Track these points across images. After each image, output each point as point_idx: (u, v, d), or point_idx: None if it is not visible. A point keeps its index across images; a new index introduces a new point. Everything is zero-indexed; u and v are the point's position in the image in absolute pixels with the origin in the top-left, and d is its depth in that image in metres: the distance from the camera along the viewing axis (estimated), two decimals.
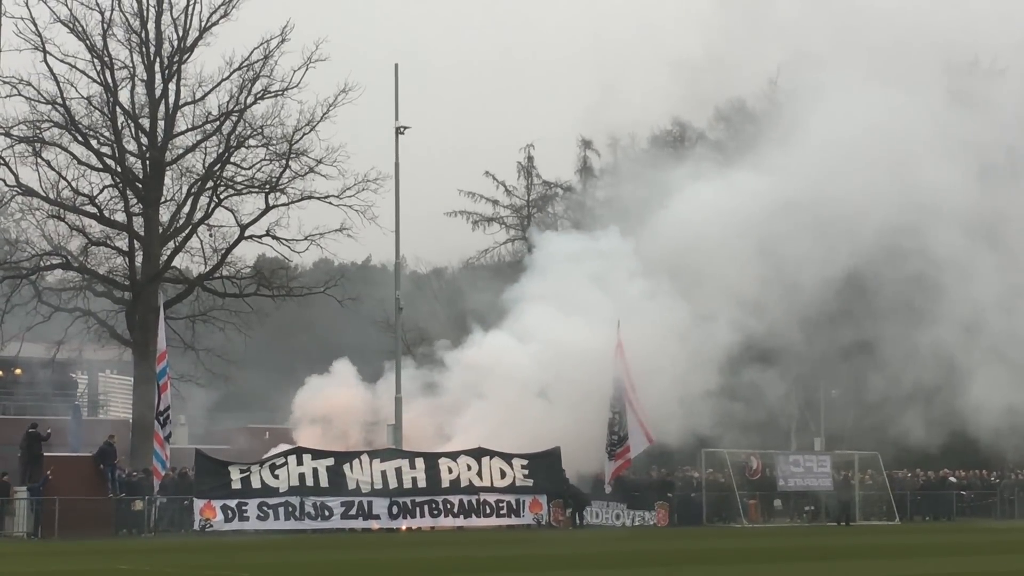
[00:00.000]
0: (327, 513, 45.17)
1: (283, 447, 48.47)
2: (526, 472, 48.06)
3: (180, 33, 52.45)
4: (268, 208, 53.29)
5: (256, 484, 44.64)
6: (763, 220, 52.07)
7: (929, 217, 52.76)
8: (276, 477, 44.90)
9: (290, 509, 44.68)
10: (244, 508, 44.32)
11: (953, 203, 52.98)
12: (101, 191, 52.22)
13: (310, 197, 53.59)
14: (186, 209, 53.07)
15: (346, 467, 45.80)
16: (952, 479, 58.56)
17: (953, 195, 52.92)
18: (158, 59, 52.36)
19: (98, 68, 51.66)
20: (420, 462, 46.87)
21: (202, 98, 52.96)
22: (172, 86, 52.55)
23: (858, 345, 55.90)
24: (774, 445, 55.99)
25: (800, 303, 51.74)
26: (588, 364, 49.28)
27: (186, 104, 52.89)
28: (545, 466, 48.33)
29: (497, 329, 52.39)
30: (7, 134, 50.81)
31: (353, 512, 45.59)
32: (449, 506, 46.77)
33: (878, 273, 53.36)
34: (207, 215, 53.30)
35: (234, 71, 52.75)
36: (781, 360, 53.93)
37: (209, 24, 52.52)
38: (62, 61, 51.25)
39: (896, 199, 52.55)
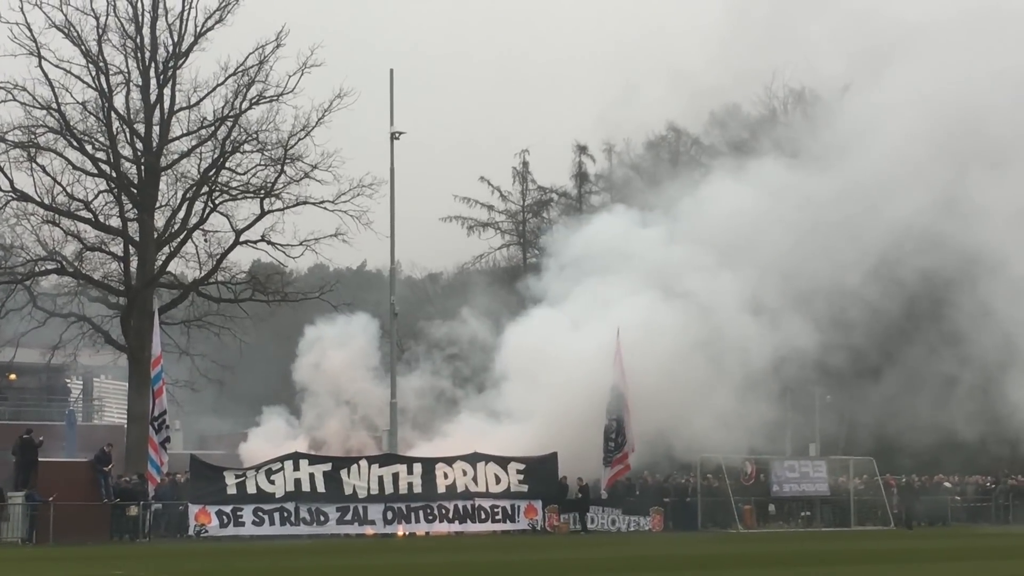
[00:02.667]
0: (322, 518, 45.14)
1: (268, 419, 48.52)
2: (521, 477, 48.04)
3: (175, 38, 52.46)
4: (263, 213, 53.29)
5: (252, 489, 44.62)
6: (810, 212, 52.08)
7: (976, 214, 52.68)
8: (272, 482, 44.86)
9: (285, 514, 44.67)
10: (239, 513, 44.29)
11: (1001, 201, 52.80)
12: (96, 196, 52.23)
13: (305, 202, 53.61)
14: (181, 214, 53.07)
15: (343, 472, 45.80)
16: (947, 484, 58.52)
17: (1001, 193, 52.76)
18: (153, 64, 52.34)
19: (93, 73, 51.67)
20: (417, 467, 46.88)
21: (197, 103, 53.03)
22: (167, 91, 52.54)
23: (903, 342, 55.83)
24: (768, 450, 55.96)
25: (847, 299, 51.68)
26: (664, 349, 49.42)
27: (181, 109, 52.89)
28: (541, 471, 48.32)
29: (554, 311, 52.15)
30: (2, 139, 50.73)
31: (348, 517, 45.56)
32: (444, 512, 46.72)
33: (925, 268, 53.07)
34: (202, 220, 53.27)
35: (229, 76, 52.81)
36: (835, 366, 53.67)
37: (204, 29, 52.57)
38: (57, 66, 51.27)
39: (941, 194, 52.54)
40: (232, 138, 53.12)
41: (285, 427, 51.74)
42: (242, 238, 53.33)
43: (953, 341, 53.45)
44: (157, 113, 52.46)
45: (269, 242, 53.50)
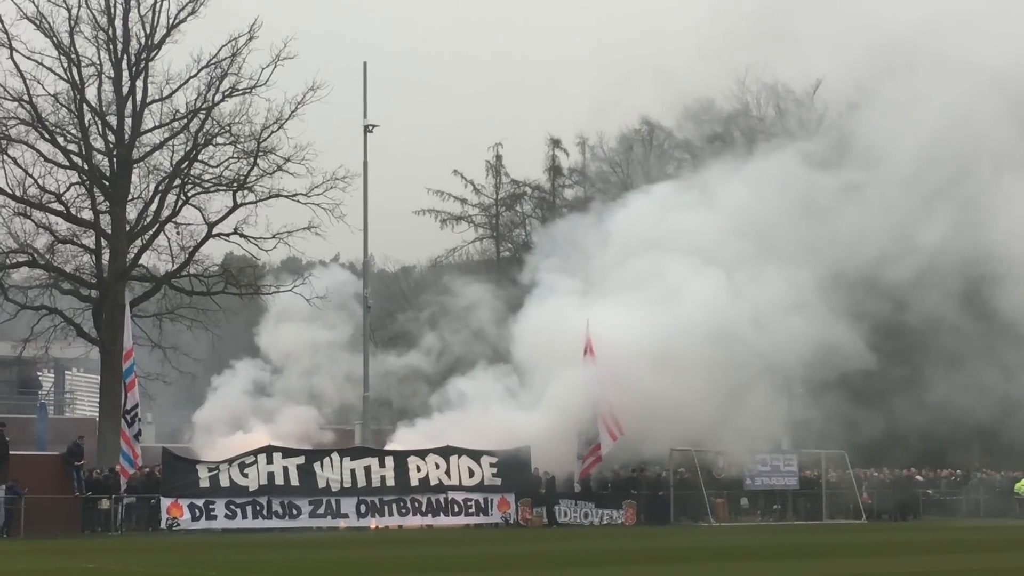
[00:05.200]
0: (295, 512, 45.18)
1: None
2: (494, 471, 48.14)
3: (148, 30, 52.21)
4: (236, 206, 53.12)
5: (225, 483, 44.65)
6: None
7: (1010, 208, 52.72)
8: (245, 476, 44.88)
9: (258, 508, 44.66)
10: (212, 507, 44.28)
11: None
12: (68, 189, 51.95)
13: (278, 195, 53.44)
14: (153, 207, 52.83)
15: (316, 465, 45.86)
16: (919, 478, 58.85)
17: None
18: (125, 56, 52.11)
19: (65, 65, 51.40)
20: (389, 460, 46.99)
21: (170, 96, 52.76)
22: (139, 83, 52.33)
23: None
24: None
25: (886, 296, 51.69)
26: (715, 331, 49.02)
27: (154, 102, 52.66)
28: (514, 465, 48.41)
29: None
30: None
31: (321, 511, 45.61)
32: (417, 505, 46.82)
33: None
34: (174, 213, 53.08)
35: (202, 69, 52.60)
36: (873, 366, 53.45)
37: (177, 21, 52.34)
38: (28, 58, 50.94)
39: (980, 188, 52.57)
40: (205, 131, 52.95)
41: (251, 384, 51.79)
42: (215, 231, 53.14)
43: (998, 335, 53.45)
44: (129, 105, 52.23)
45: (242, 235, 53.34)
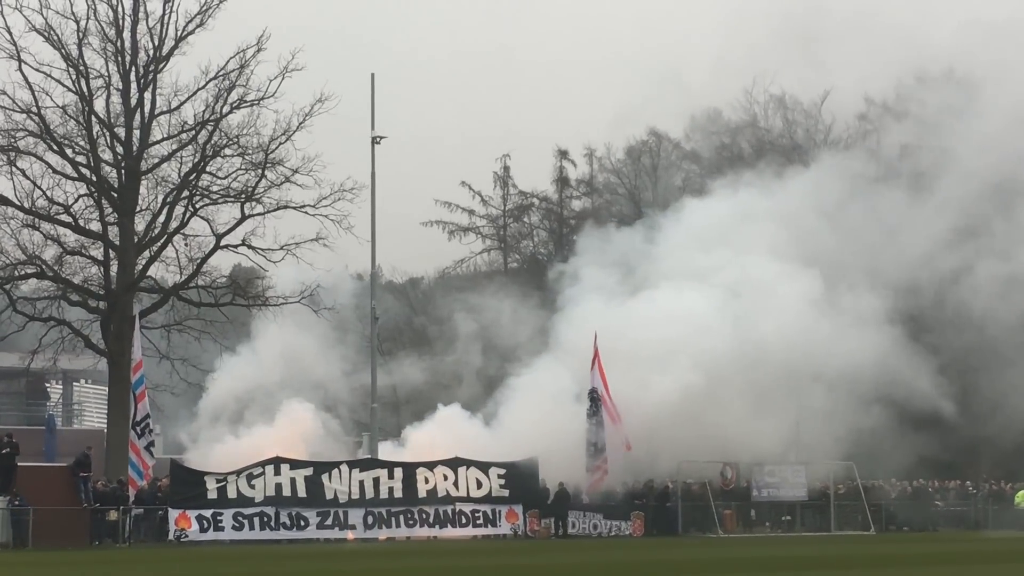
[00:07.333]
0: (303, 523, 45.19)
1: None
2: (502, 482, 48.10)
3: (156, 42, 52.29)
4: (244, 218, 53.13)
5: (232, 494, 44.68)
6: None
7: None
8: (252, 487, 44.88)
9: (265, 519, 44.65)
10: (219, 518, 44.30)
11: None
12: (76, 200, 51.99)
13: (286, 207, 53.43)
14: (161, 218, 52.86)
15: (324, 477, 45.87)
16: (929, 489, 58.65)
17: None
18: (133, 68, 52.19)
19: (73, 77, 51.48)
20: (398, 472, 46.98)
21: (178, 107, 52.81)
22: (148, 95, 52.38)
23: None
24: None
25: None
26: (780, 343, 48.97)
27: (162, 113, 52.73)
28: (522, 476, 48.37)
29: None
30: None
31: (329, 522, 45.60)
32: (425, 516, 46.80)
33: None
34: (182, 224, 53.10)
35: (210, 80, 52.63)
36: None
37: (185, 33, 52.39)
38: (37, 70, 51.06)
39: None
40: (213, 142, 52.97)
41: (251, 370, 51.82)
42: (223, 242, 53.14)
43: None
44: (137, 117, 52.31)
45: (250, 246, 53.31)
